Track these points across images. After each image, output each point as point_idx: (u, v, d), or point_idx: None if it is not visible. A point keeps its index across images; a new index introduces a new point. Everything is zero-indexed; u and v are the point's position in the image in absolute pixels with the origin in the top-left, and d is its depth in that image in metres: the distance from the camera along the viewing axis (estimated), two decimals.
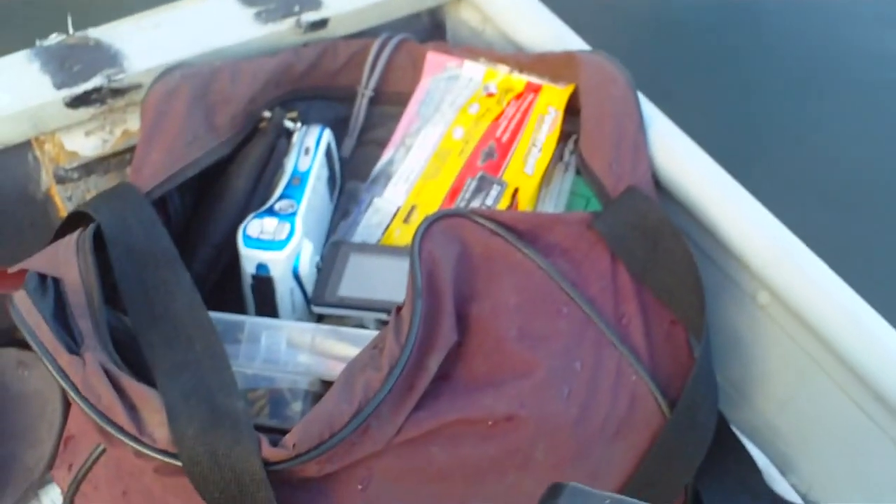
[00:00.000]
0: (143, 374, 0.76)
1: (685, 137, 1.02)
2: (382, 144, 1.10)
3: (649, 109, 1.03)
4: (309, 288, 0.95)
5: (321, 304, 0.93)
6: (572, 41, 1.13)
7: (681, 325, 0.90)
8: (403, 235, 1.01)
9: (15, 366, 0.98)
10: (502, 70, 1.10)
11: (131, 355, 0.78)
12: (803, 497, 0.97)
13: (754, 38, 1.92)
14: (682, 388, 0.87)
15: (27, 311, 0.77)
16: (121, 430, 0.72)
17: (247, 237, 0.93)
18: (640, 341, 0.88)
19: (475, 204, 1.01)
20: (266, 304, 0.94)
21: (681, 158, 1.01)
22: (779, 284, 0.94)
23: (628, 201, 0.93)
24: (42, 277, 0.80)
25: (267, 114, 1.04)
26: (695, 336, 0.89)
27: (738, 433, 0.94)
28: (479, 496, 0.80)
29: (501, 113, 1.07)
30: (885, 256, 1.55)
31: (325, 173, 1.04)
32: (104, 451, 0.79)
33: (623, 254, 0.90)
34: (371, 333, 0.87)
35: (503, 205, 1.00)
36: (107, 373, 0.73)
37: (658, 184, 1.00)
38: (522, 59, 1.11)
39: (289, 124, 1.05)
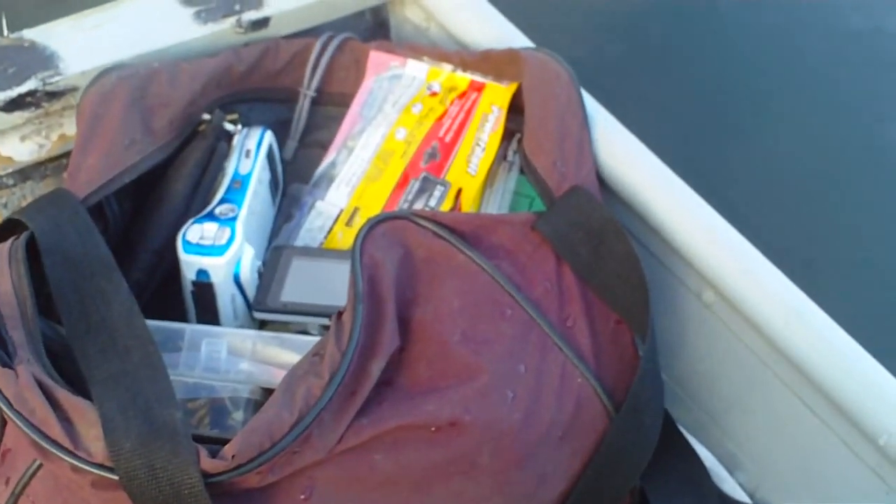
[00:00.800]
0: (80, 387, 0.74)
1: (629, 135, 1.02)
2: (325, 146, 1.09)
3: (593, 107, 1.03)
4: (251, 294, 0.94)
5: (263, 309, 0.92)
6: (516, 39, 1.12)
7: (626, 325, 0.90)
8: (346, 238, 1.00)
9: None
10: (446, 68, 1.10)
11: (67, 366, 0.76)
12: (751, 495, 0.97)
13: (705, 32, 1.92)
14: (627, 388, 0.86)
15: None
16: (56, 444, 0.70)
17: (186, 243, 0.91)
18: (585, 343, 0.87)
19: (418, 205, 1.00)
20: (207, 310, 0.93)
21: (625, 156, 1.00)
22: (723, 283, 0.94)
23: (572, 201, 0.92)
24: None
25: (206, 116, 1.03)
26: (640, 336, 0.89)
27: (684, 432, 0.94)
28: (423, 503, 0.79)
29: (445, 112, 1.06)
30: (830, 254, 1.55)
31: (266, 176, 1.02)
32: (41, 465, 0.77)
33: (567, 254, 0.90)
34: (314, 339, 0.86)
35: (446, 206, 0.99)
36: (41, 385, 0.72)
37: (602, 182, 1.00)
38: (466, 58, 1.10)
39: (229, 127, 1.04)
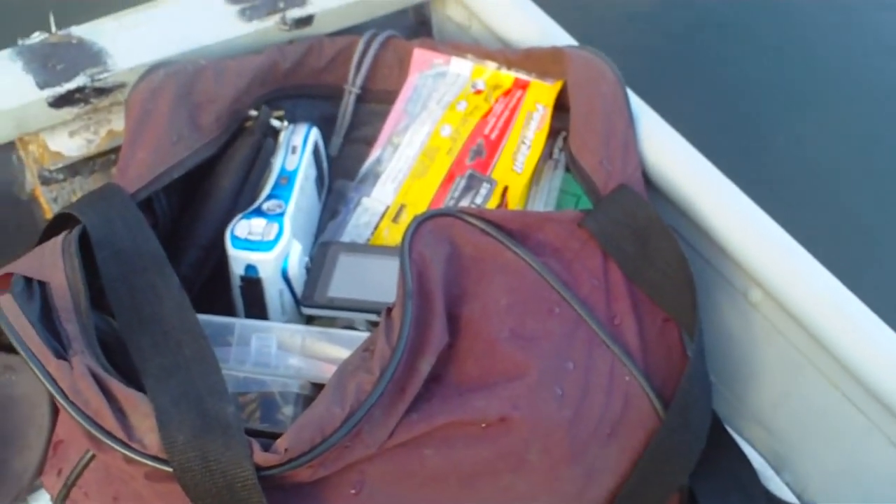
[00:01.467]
0: (132, 379, 0.75)
1: (675, 134, 1.01)
2: (370, 143, 1.09)
3: (639, 106, 1.03)
4: (298, 289, 0.94)
5: (311, 305, 0.92)
6: (560, 36, 1.12)
7: (673, 323, 0.89)
8: (392, 235, 1.00)
9: (1, 370, 0.96)
10: (490, 66, 1.10)
11: (119, 359, 0.77)
12: (798, 496, 0.97)
13: (750, 34, 1.91)
14: (675, 387, 0.86)
15: (13, 315, 0.75)
16: (110, 435, 0.71)
17: (235, 238, 0.92)
18: (632, 341, 0.87)
19: (464, 203, 1.00)
20: (255, 305, 0.93)
21: (671, 155, 1.00)
22: (771, 282, 0.93)
23: (619, 199, 0.92)
24: (28, 281, 0.79)
25: (253, 112, 1.03)
26: (687, 334, 0.89)
27: (732, 432, 0.94)
28: (472, 499, 0.79)
29: (490, 110, 1.06)
30: (877, 255, 1.54)
31: (312, 172, 1.03)
32: (94, 456, 0.78)
33: (614, 252, 0.90)
34: (362, 335, 0.87)
35: (493, 203, 0.99)
36: (95, 377, 0.72)
37: (648, 181, 1.00)
38: (510, 56, 1.10)
39: (275, 123, 1.04)
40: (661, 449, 0.84)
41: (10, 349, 0.76)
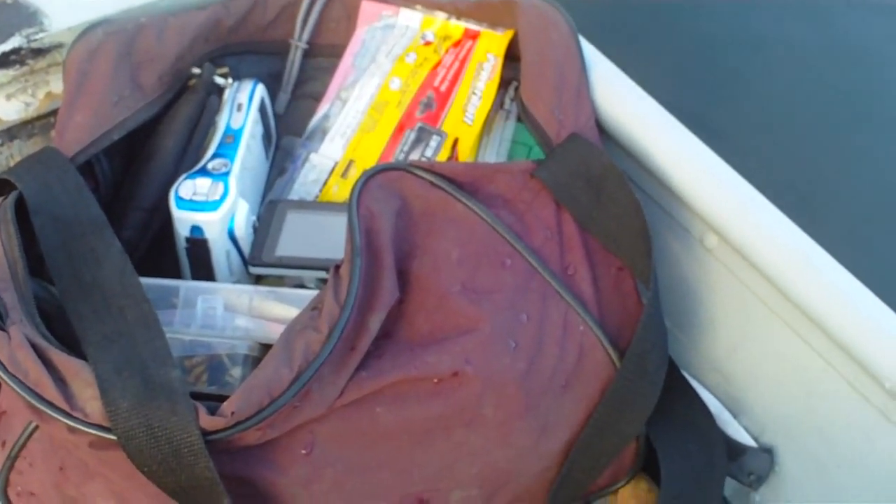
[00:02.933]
0: (74, 347, 0.73)
1: (628, 81, 1.00)
2: (318, 98, 1.07)
3: (592, 54, 1.01)
4: (246, 249, 0.93)
5: (259, 264, 0.91)
6: None
7: (628, 271, 0.88)
8: (341, 191, 0.98)
9: None
10: (440, 17, 1.08)
11: (61, 327, 0.75)
12: (756, 439, 0.96)
13: None
14: (631, 336, 0.85)
15: None
16: (51, 405, 0.69)
17: (179, 199, 0.90)
18: (587, 291, 0.86)
19: (414, 156, 0.98)
20: (202, 267, 0.92)
21: (624, 102, 0.99)
22: (726, 226, 0.92)
23: (572, 148, 0.91)
24: None
25: (196, 70, 1.01)
26: (642, 282, 0.88)
27: (688, 378, 0.93)
28: (426, 455, 0.79)
29: (439, 62, 1.04)
30: (836, 204, 1.54)
31: (259, 130, 1.01)
32: (38, 426, 0.77)
33: (568, 202, 0.88)
34: (311, 293, 0.85)
35: (443, 156, 0.98)
36: (34, 347, 0.71)
37: (602, 129, 0.98)
38: (460, 6, 1.08)
39: (219, 80, 1.02)
40: (616, 398, 0.83)
41: None
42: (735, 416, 0.98)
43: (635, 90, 1.00)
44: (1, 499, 0.81)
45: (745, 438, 0.96)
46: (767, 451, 0.95)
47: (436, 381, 0.77)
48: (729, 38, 1.79)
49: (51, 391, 0.69)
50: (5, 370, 0.70)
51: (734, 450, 0.94)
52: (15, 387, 0.70)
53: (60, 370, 0.71)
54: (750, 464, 0.94)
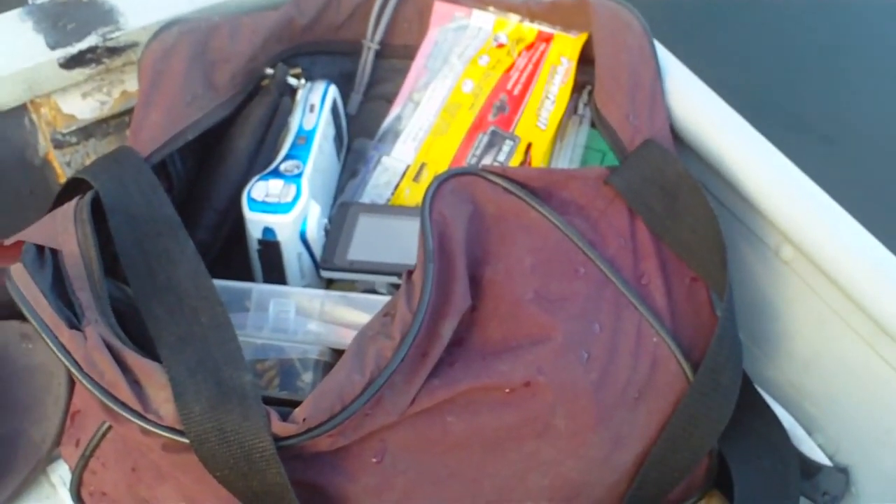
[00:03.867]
0: (147, 347, 0.74)
1: (704, 87, 0.99)
2: (390, 100, 1.07)
3: (666, 58, 1.00)
4: (317, 252, 0.93)
5: (330, 268, 0.91)
6: None
7: (702, 282, 0.87)
8: (413, 195, 0.98)
9: (18, 339, 0.95)
10: (513, 19, 1.07)
11: (134, 327, 0.76)
12: (830, 457, 0.95)
13: None
14: (704, 348, 0.84)
15: (25, 284, 0.74)
16: (125, 407, 0.70)
17: (251, 200, 0.90)
18: (660, 301, 0.85)
19: (487, 160, 0.98)
20: (273, 269, 0.92)
21: (699, 108, 0.97)
22: (803, 238, 0.91)
23: (646, 155, 0.90)
24: (40, 249, 0.78)
25: (269, 71, 1.01)
26: (717, 294, 0.86)
27: (762, 393, 0.92)
28: (496, 465, 0.78)
29: (512, 64, 1.04)
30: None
31: (331, 131, 1.01)
32: (111, 427, 0.77)
33: (642, 210, 0.87)
34: (382, 299, 0.85)
35: (516, 161, 0.97)
36: (109, 347, 0.71)
37: (676, 135, 0.97)
38: (533, 8, 1.07)
39: (292, 81, 1.02)
40: (689, 412, 0.82)
41: (26, 317, 0.75)
42: (809, 433, 0.96)
43: (710, 95, 0.98)
44: (74, 498, 0.82)
45: (819, 457, 0.94)
46: (842, 471, 0.94)
47: (507, 390, 0.76)
48: (805, 39, 1.76)
49: (125, 393, 0.70)
50: (81, 371, 0.71)
51: (808, 468, 0.93)
52: (90, 387, 0.70)
53: (135, 372, 0.71)
54: (824, 483, 0.93)
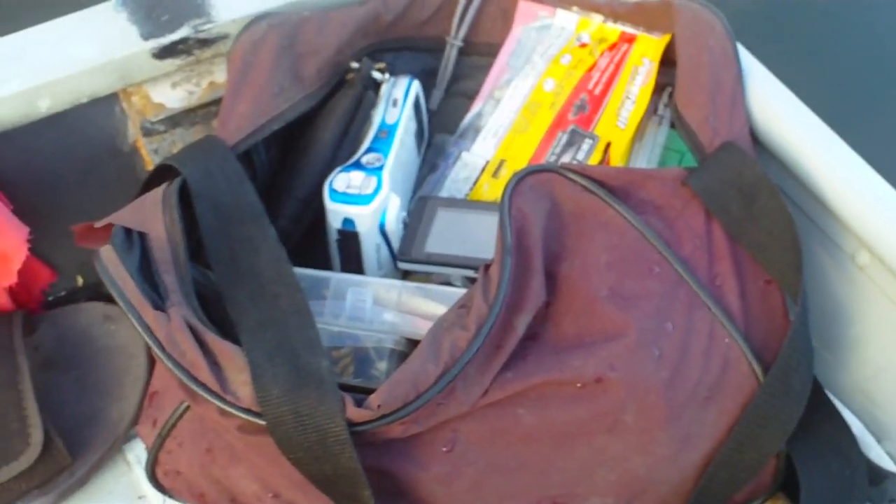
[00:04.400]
0: (228, 331, 0.75)
1: (785, 90, 0.98)
2: (471, 97, 1.08)
3: (748, 61, 1.00)
4: (395, 244, 0.94)
5: (408, 260, 0.92)
6: None
7: (776, 285, 0.87)
8: (492, 190, 0.99)
9: (101, 320, 0.98)
10: (596, 19, 1.07)
11: (216, 311, 0.78)
12: None
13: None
14: (776, 351, 0.84)
15: (113, 266, 0.76)
16: (205, 387, 0.71)
17: (333, 191, 0.92)
18: (733, 303, 0.85)
19: (566, 158, 0.98)
20: (352, 259, 0.93)
21: (780, 112, 0.97)
22: (880, 244, 0.90)
23: (725, 157, 0.90)
24: (128, 232, 0.80)
25: (355, 65, 1.03)
26: (791, 297, 0.86)
27: (832, 398, 0.91)
28: (565, 459, 0.78)
29: (594, 64, 1.04)
30: None
31: (412, 126, 1.02)
32: (188, 407, 0.79)
33: (718, 212, 0.87)
34: (458, 291, 0.86)
35: (595, 160, 0.98)
36: (191, 329, 0.73)
37: (755, 138, 0.97)
38: (617, 8, 1.07)
39: (377, 75, 1.04)
40: (758, 414, 0.82)
41: (110, 299, 0.78)
42: (878, 440, 0.96)
43: (791, 99, 0.98)
44: (149, 476, 0.84)
45: (887, 464, 0.94)
46: None
47: (579, 385, 0.77)
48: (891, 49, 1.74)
49: (205, 374, 0.71)
50: (163, 350, 0.72)
51: (876, 475, 0.92)
52: (172, 367, 0.72)
53: (215, 353, 0.72)
54: (892, 490, 0.92)
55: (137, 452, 0.94)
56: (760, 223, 0.87)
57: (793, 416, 0.83)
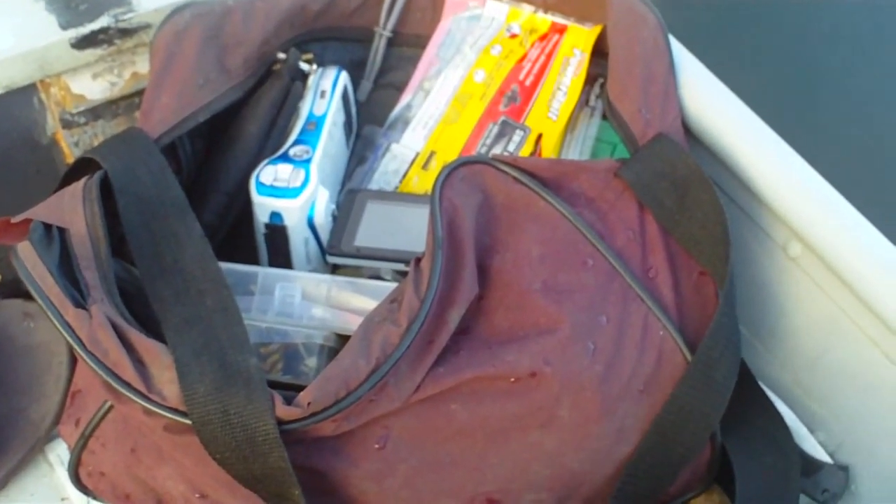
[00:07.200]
0: (152, 328, 0.74)
1: (717, 81, 0.98)
2: (400, 88, 1.06)
3: (680, 52, 0.99)
4: (324, 237, 0.92)
5: (337, 254, 0.90)
6: None
7: (709, 276, 0.87)
8: (422, 183, 0.98)
9: (20, 318, 0.96)
10: (526, 9, 1.07)
11: (140, 308, 0.76)
12: (832, 455, 0.94)
13: None
14: None
15: (31, 262, 0.74)
16: (129, 386, 0.70)
17: (260, 184, 0.90)
18: (667, 294, 0.84)
19: (497, 150, 0.97)
20: (280, 254, 0.92)
21: (712, 103, 0.97)
22: (811, 235, 0.90)
23: (657, 148, 0.89)
24: (47, 227, 0.78)
25: (282, 56, 1.01)
26: (721, 287, 0.86)
27: (766, 389, 0.91)
28: (499, 455, 0.77)
29: (525, 55, 1.03)
30: None
31: (341, 118, 1.01)
32: (112, 407, 0.77)
33: (651, 203, 0.87)
34: (389, 285, 0.85)
35: (526, 151, 0.97)
36: (114, 326, 0.71)
37: (688, 130, 0.97)
38: None
39: (304, 66, 1.02)
40: (679, 405, 0.81)
41: (29, 296, 0.75)
42: (812, 431, 0.96)
43: (723, 90, 0.98)
44: (72, 477, 0.81)
45: (821, 455, 0.94)
46: (843, 469, 0.93)
47: (513, 380, 0.76)
48: (821, 36, 1.75)
49: (129, 372, 0.69)
50: (85, 349, 0.70)
51: (809, 465, 0.92)
52: (94, 366, 0.70)
53: (139, 351, 0.71)
54: (825, 481, 0.92)
55: (59, 453, 0.92)
56: (693, 215, 0.87)
57: (716, 407, 0.83)
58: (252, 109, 0.98)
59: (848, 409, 0.94)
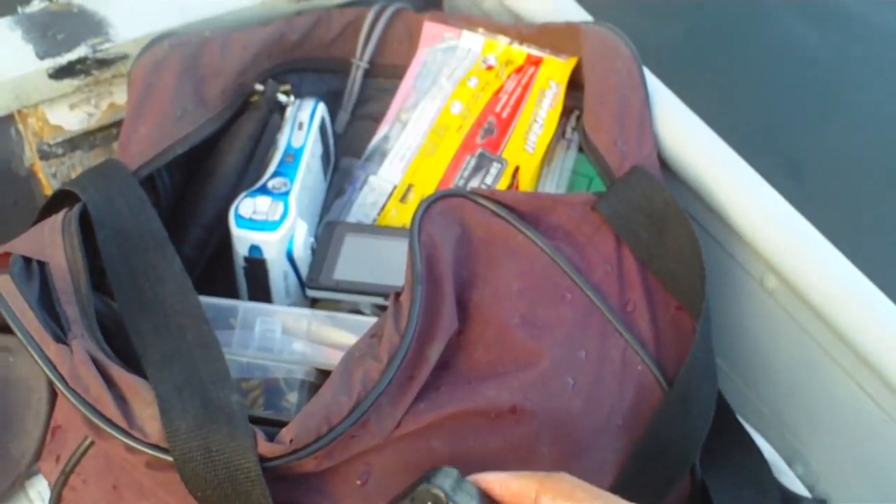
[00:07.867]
0: (133, 363, 0.73)
1: (691, 114, 0.99)
2: (378, 119, 1.07)
3: (655, 85, 1.00)
4: (303, 270, 0.92)
5: (316, 287, 0.90)
6: (574, 12, 1.09)
7: (686, 311, 0.87)
8: (400, 215, 0.98)
9: None
10: (502, 41, 1.07)
11: (119, 343, 0.75)
12: (811, 489, 0.95)
13: (777, 21, 1.87)
14: None
15: (11, 296, 0.74)
16: (110, 423, 0.69)
17: (239, 217, 0.90)
18: (645, 329, 0.85)
19: (474, 182, 0.98)
20: (259, 287, 0.92)
21: (687, 136, 0.98)
22: (787, 268, 0.91)
23: (633, 182, 0.90)
24: (27, 261, 0.77)
25: (259, 87, 1.01)
26: (697, 322, 0.87)
27: (744, 423, 0.92)
28: None
29: (501, 87, 1.04)
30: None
31: (319, 150, 1.01)
32: (93, 443, 0.76)
33: (628, 237, 0.87)
34: (369, 320, 0.85)
35: (503, 184, 0.97)
36: (95, 362, 0.70)
37: (663, 162, 0.97)
38: (523, 30, 1.07)
39: (282, 98, 1.02)
40: (656, 439, 0.82)
41: (7, 329, 0.75)
42: (790, 464, 0.96)
43: (697, 123, 0.99)
44: None
45: (799, 488, 0.95)
46: (822, 503, 0.94)
47: (493, 415, 0.76)
48: (792, 73, 1.77)
49: (111, 408, 0.69)
50: (66, 385, 0.70)
51: (788, 499, 0.93)
52: (75, 402, 0.69)
53: (121, 387, 0.70)
54: None
55: (40, 489, 0.91)
56: (670, 249, 0.87)
57: (695, 440, 0.84)
58: (230, 141, 0.98)
59: (825, 442, 0.95)
